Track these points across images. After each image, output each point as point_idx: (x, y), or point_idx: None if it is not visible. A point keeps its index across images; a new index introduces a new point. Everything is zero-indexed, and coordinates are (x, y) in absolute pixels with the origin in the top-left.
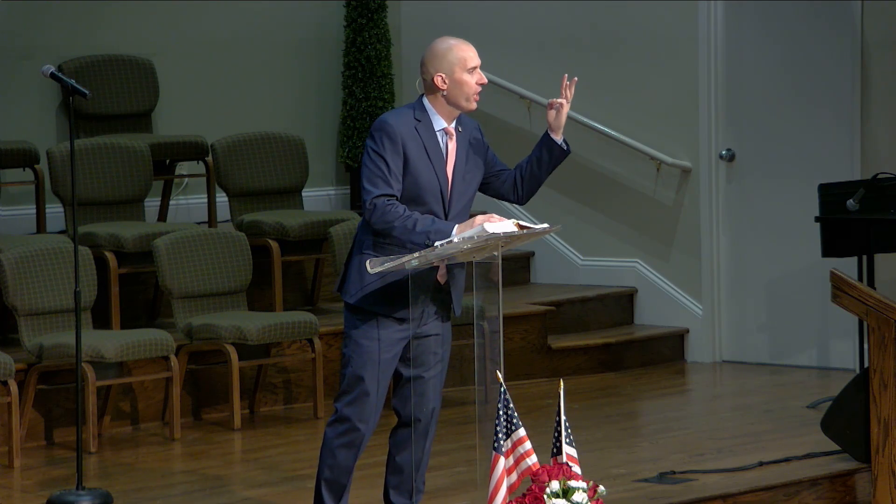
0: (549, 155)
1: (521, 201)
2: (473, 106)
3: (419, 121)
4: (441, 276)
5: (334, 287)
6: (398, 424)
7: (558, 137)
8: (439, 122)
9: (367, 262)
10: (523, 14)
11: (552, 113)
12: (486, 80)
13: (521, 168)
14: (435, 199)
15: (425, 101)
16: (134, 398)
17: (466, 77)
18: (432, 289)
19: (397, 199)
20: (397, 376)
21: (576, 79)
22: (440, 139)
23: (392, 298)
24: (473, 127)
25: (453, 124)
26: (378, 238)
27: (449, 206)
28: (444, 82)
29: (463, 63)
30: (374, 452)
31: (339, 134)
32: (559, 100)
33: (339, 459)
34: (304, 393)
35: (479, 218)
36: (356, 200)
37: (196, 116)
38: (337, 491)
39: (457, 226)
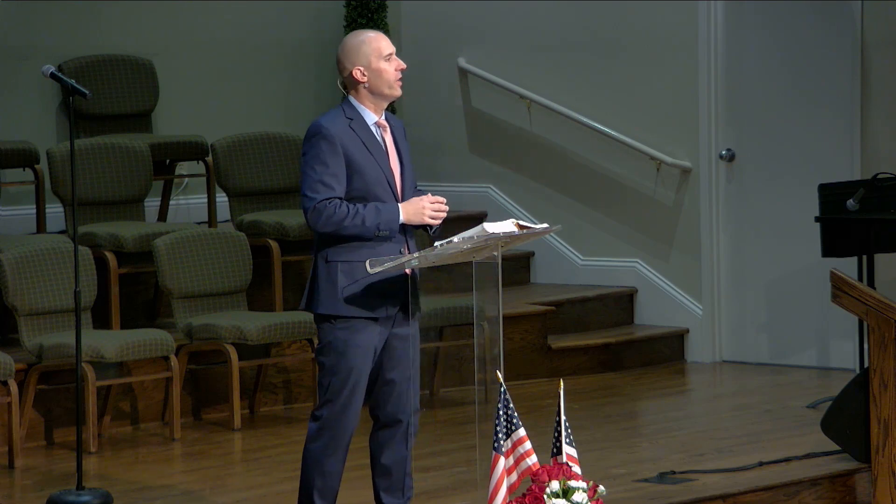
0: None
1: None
2: (398, 92)
3: (351, 119)
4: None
5: (301, 306)
6: (377, 427)
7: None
8: (371, 117)
9: (367, 262)
10: (523, 14)
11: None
12: (404, 66)
13: None
14: (385, 193)
15: (351, 99)
16: (134, 398)
17: (384, 65)
18: (405, 287)
19: (341, 200)
20: (373, 379)
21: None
22: (376, 133)
23: (368, 300)
24: (400, 125)
25: (383, 117)
26: (341, 243)
27: (402, 198)
28: (364, 74)
29: (378, 52)
30: (366, 454)
31: None
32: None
33: (329, 468)
34: (304, 393)
35: (425, 199)
36: None
37: (196, 116)
38: (330, 496)
39: (401, 206)
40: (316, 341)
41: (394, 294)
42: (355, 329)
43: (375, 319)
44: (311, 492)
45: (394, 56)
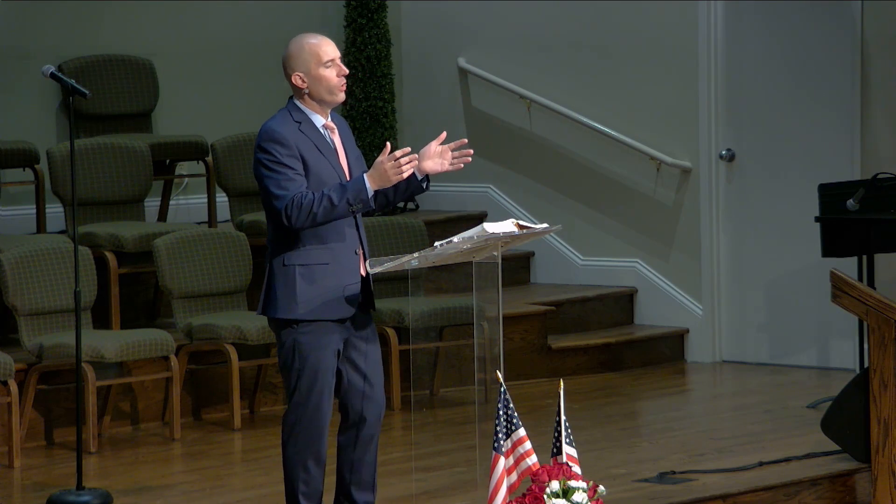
0: (407, 185)
1: (371, 213)
2: (340, 98)
3: (299, 122)
4: (363, 269)
5: (257, 310)
6: (345, 426)
7: (420, 175)
8: (318, 119)
9: (367, 262)
10: (523, 14)
11: (431, 160)
12: (346, 71)
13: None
14: None
15: (297, 102)
16: (134, 398)
17: (324, 72)
18: (361, 288)
19: (307, 191)
20: (339, 378)
21: (471, 152)
22: (325, 135)
23: (327, 303)
24: (345, 124)
25: (329, 119)
26: (298, 246)
27: None
28: (304, 81)
29: (318, 59)
30: None
31: None
32: (449, 161)
33: (310, 469)
34: None
35: (384, 161)
36: None
37: (196, 116)
38: (315, 497)
39: (366, 175)
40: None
41: (351, 295)
42: (317, 331)
43: (335, 321)
44: (295, 495)
45: (336, 61)
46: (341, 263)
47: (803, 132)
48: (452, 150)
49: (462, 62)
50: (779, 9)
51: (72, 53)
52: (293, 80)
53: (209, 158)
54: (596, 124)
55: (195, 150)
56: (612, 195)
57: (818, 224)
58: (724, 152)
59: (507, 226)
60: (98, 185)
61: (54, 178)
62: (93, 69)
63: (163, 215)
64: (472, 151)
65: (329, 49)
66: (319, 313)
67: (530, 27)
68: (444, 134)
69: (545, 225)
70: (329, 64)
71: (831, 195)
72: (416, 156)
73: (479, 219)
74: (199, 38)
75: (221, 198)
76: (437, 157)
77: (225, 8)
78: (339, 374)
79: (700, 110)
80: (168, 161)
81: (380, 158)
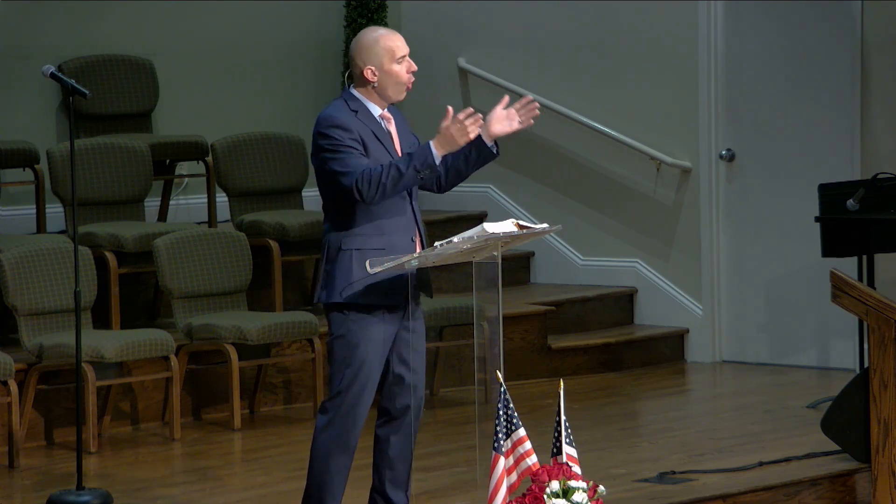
0: (478, 154)
1: (441, 191)
2: (402, 97)
3: (356, 111)
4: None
5: (315, 298)
6: (386, 419)
7: (489, 141)
8: (375, 109)
9: (367, 262)
10: (523, 14)
11: (499, 123)
12: (415, 68)
13: (444, 161)
14: None
15: (355, 92)
16: (134, 398)
17: (396, 67)
18: (413, 277)
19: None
20: (385, 368)
21: (537, 105)
22: (382, 123)
23: (383, 289)
24: (400, 115)
25: (386, 109)
26: (352, 233)
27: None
28: (374, 74)
29: (391, 53)
30: (367, 453)
31: None
32: (517, 121)
33: (340, 462)
34: (304, 393)
35: (450, 126)
36: None
37: (196, 116)
38: (339, 491)
39: (431, 142)
40: (322, 336)
41: (405, 283)
42: (368, 322)
43: (388, 309)
44: (322, 490)
45: (407, 57)
46: (397, 250)
47: (803, 132)
48: (518, 110)
49: (462, 62)
50: (779, 9)
51: (72, 53)
52: (364, 73)
53: (209, 158)
54: (596, 124)
55: (195, 150)
56: (612, 195)
57: (818, 224)
58: (724, 152)
59: (507, 226)
60: (98, 185)
61: (54, 178)
62: (93, 69)
63: (163, 215)
64: (537, 104)
65: (401, 45)
66: (373, 298)
67: (530, 27)
68: (507, 97)
69: (545, 225)
70: (401, 60)
71: (831, 195)
72: (480, 116)
73: (479, 219)
74: (199, 38)
75: (221, 198)
76: (504, 119)
77: (225, 8)
78: (386, 364)
79: (700, 110)
80: (168, 161)
81: (444, 123)
